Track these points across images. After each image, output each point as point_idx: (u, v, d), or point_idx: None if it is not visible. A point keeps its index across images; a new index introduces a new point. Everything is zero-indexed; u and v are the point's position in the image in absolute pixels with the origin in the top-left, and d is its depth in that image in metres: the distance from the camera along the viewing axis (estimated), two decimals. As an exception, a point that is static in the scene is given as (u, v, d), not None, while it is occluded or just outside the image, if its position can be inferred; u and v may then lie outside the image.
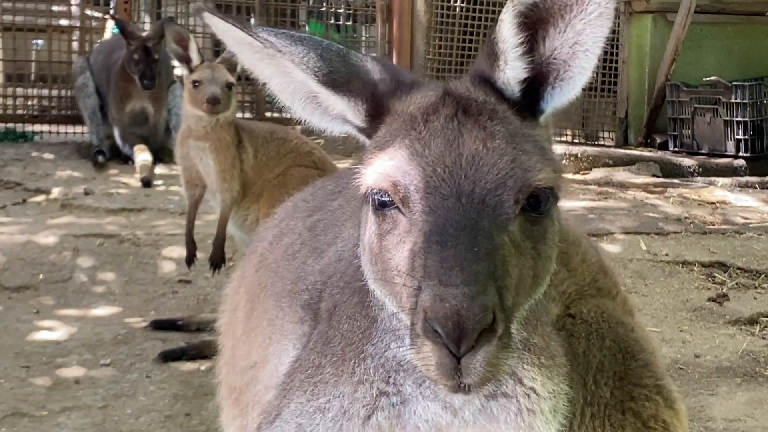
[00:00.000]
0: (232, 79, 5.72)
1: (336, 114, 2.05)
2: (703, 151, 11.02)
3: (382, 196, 1.87)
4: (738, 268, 7.09)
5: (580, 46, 1.91)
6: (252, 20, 11.70)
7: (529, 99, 1.97)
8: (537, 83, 1.97)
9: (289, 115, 10.72)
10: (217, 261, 5.83)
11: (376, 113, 2.00)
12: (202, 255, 6.75)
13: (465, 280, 1.70)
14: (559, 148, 10.91)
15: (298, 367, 2.24)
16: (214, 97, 5.60)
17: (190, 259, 5.91)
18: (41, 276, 6.63)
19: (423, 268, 1.75)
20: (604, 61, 11.70)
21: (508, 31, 1.90)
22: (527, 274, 1.83)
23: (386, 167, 1.86)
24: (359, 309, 2.14)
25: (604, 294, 2.65)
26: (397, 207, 1.85)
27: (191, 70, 5.71)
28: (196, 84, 5.64)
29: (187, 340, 5.72)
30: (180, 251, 6.81)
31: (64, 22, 12.27)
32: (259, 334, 2.52)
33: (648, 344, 2.59)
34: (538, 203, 1.86)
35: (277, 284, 2.52)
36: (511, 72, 1.95)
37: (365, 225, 1.97)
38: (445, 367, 1.71)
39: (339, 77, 1.99)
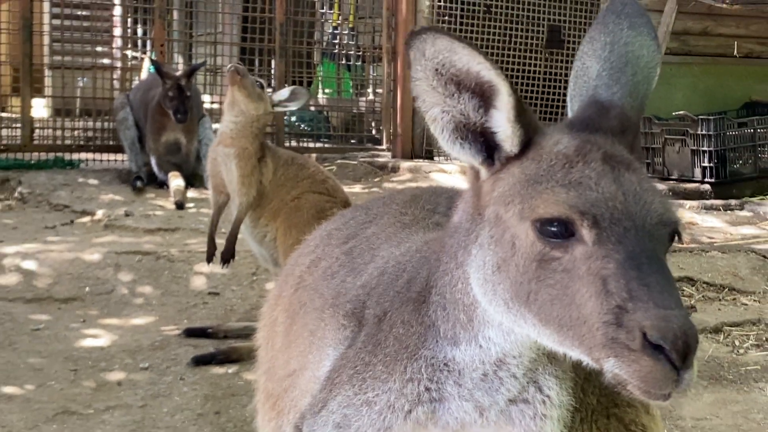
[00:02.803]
0: (261, 81, 5.83)
1: (493, 141, 2.02)
2: (673, 177, 11.02)
3: (555, 225, 1.86)
4: (704, 283, 7.10)
5: None
6: (272, 62, 11.76)
7: None
8: None
9: (305, 145, 10.76)
10: (227, 256, 5.82)
11: (525, 144, 2.00)
12: (228, 272, 6.80)
13: (676, 303, 1.77)
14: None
15: (346, 364, 2.24)
16: (236, 66, 5.72)
17: (210, 257, 5.91)
18: (87, 289, 6.65)
19: (626, 291, 1.77)
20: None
21: None
22: None
23: (569, 199, 1.85)
24: (414, 316, 2.16)
25: None
26: (573, 236, 1.85)
27: None
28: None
29: (216, 347, 5.72)
30: (209, 267, 6.84)
31: (106, 61, 12.36)
32: (300, 344, 2.52)
33: None
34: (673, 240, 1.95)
35: (317, 301, 2.51)
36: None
37: (495, 249, 1.96)
38: (668, 379, 1.75)
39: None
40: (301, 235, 5.30)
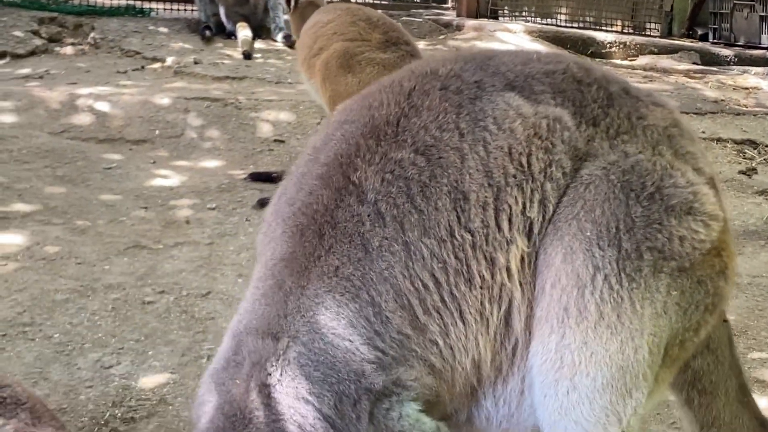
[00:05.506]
0: None
1: None
2: (739, 43, 10.63)
3: None
4: (766, 146, 6.87)
5: None
6: None
7: None
8: None
9: (370, 2, 10.38)
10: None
11: None
12: (294, 119, 6.74)
13: None
14: (609, 36, 10.58)
15: None
16: None
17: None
18: (157, 132, 6.63)
19: None
20: (655, -41, 11.33)
21: None
22: None
23: None
24: None
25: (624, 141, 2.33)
26: None
27: None
28: None
29: (280, 191, 5.68)
30: (275, 114, 6.79)
31: None
32: None
33: (668, 162, 2.31)
34: None
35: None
36: None
37: None
38: None
39: None
40: (334, 87, 5.12)
